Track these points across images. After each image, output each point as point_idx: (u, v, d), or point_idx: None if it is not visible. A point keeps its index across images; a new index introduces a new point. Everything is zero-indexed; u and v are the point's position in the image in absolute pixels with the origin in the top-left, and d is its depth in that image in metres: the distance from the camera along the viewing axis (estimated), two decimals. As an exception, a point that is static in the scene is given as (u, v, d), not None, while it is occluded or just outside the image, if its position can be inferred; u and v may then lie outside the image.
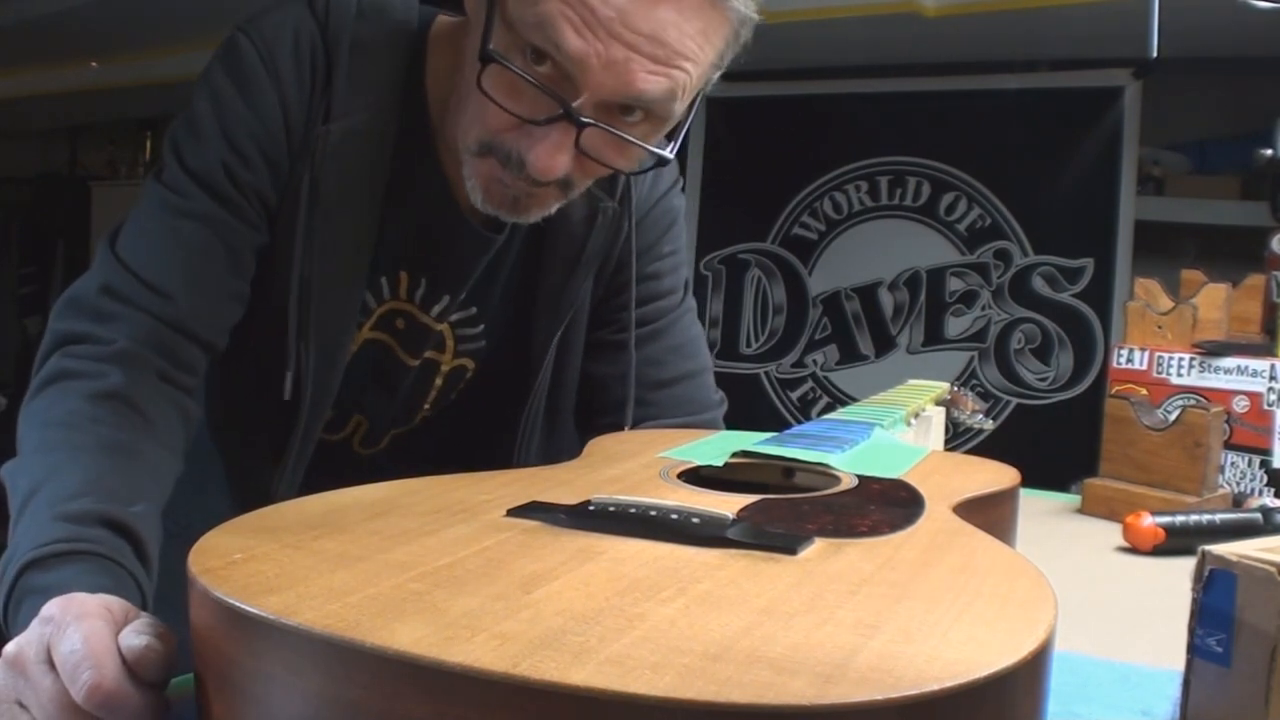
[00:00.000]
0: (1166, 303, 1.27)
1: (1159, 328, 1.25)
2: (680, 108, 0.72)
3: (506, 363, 0.92)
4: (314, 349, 0.80)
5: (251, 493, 0.86)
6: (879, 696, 0.32)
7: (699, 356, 1.00)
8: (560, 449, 0.95)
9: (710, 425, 0.95)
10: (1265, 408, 1.17)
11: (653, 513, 0.49)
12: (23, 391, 0.71)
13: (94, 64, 3.84)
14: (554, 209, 0.78)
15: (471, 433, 0.96)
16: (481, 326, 0.90)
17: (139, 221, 0.76)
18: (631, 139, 0.72)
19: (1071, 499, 1.13)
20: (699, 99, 0.75)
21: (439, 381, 0.91)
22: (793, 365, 3.37)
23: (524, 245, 0.88)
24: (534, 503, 0.53)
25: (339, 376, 0.83)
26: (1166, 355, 1.22)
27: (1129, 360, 1.25)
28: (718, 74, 0.74)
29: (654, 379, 0.96)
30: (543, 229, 0.87)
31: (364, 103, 0.78)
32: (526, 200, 0.75)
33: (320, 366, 0.81)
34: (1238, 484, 1.18)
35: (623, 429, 0.93)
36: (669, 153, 0.76)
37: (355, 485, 0.57)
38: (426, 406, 0.93)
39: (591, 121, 0.69)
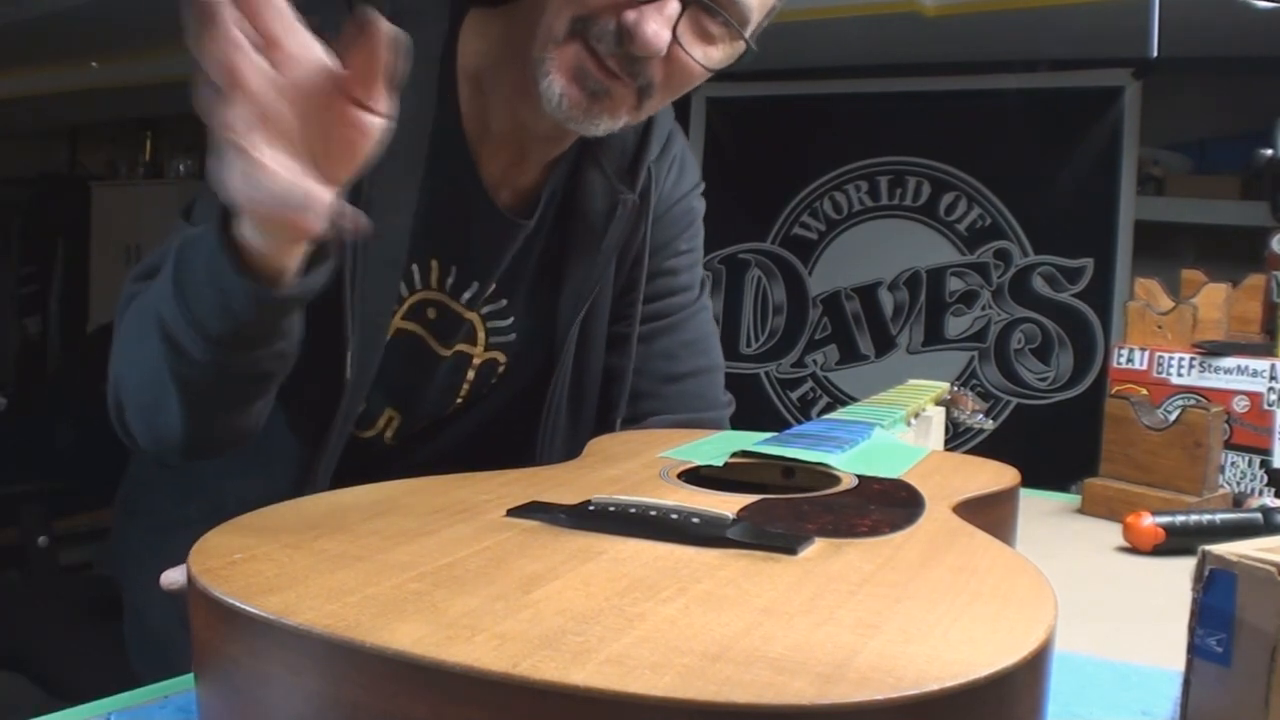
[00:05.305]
0: (1166, 303, 1.27)
1: (1159, 328, 1.24)
2: (757, 18, 0.77)
3: (534, 356, 0.92)
4: (356, 332, 0.80)
5: (285, 480, 0.86)
6: (879, 696, 0.32)
7: (711, 354, 1.00)
8: (585, 444, 0.95)
9: (717, 424, 0.95)
10: (1265, 408, 1.17)
11: (653, 513, 0.49)
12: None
13: (94, 64, 3.83)
14: (620, 124, 0.79)
15: (497, 427, 0.96)
16: (511, 319, 0.90)
17: (208, 193, 0.78)
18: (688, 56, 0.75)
19: (1071, 499, 1.13)
20: (747, 51, 0.79)
21: (471, 375, 0.91)
22: (793, 365, 3.37)
23: (548, 236, 0.89)
24: (534, 503, 0.53)
25: (377, 362, 0.83)
26: (1166, 355, 1.22)
27: (1129, 360, 1.25)
28: (756, 31, 0.80)
29: (665, 373, 0.96)
30: (565, 220, 0.88)
31: (397, 88, 0.79)
32: (604, 99, 0.76)
33: (361, 350, 0.81)
34: (1238, 484, 1.18)
35: (627, 422, 0.93)
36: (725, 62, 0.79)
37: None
38: (459, 400, 0.93)
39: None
